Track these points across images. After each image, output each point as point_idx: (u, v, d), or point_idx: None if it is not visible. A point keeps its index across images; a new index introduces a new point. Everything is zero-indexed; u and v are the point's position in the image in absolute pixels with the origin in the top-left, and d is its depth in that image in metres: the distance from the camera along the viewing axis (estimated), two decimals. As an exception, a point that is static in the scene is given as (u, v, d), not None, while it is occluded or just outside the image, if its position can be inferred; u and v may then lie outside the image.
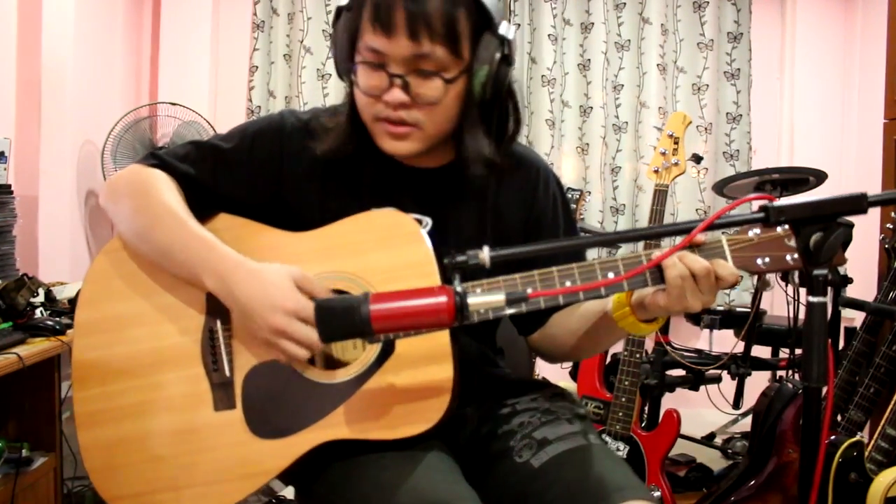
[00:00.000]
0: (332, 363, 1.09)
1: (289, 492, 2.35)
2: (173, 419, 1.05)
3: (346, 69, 1.06)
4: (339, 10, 1.05)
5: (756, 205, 0.83)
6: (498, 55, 1.02)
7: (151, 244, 1.09)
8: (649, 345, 2.37)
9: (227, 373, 1.05)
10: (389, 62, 1.00)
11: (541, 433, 1.09)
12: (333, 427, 1.01)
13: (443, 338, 0.99)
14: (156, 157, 1.15)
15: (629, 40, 3.52)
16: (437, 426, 0.99)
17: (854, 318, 2.32)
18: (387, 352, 1.01)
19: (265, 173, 1.13)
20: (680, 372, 2.62)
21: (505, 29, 1.03)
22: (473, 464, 1.06)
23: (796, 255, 0.92)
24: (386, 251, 1.05)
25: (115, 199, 1.15)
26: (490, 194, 1.16)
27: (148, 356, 1.08)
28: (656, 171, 2.13)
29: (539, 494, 1.00)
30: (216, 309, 1.07)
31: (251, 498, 1.04)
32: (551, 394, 1.20)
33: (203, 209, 1.12)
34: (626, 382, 2.08)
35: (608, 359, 2.40)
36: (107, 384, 1.08)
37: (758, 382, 2.68)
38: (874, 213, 1.68)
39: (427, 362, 1.00)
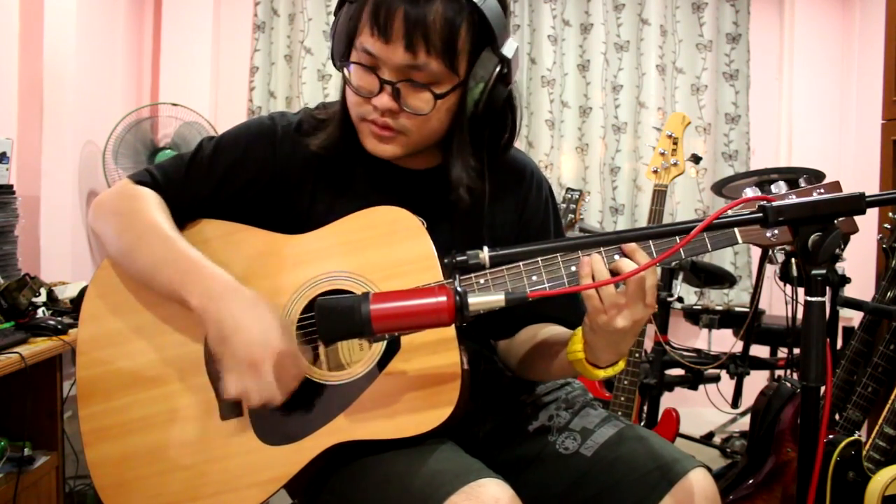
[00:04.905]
0: (338, 364, 1.09)
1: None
2: (181, 430, 1.04)
3: (340, 64, 1.04)
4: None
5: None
6: (495, 74, 1.00)
7: (137, 264, 1.07)
8: (648, 344, 2.38)
9: None
10: (382, 67, 0.98)
11: (577, 423, 1.11)
12: (343, 429, 1.00)
13: (448, 328, 0.99)
14: (144, 173, 1.14)
15: (628, 41, 3.53)
16: (451, 421, 0.98)
17: (852, 317, 2.32)
18: (393, 348, 1.01)
19: (259, 179, 1.12)
20: (679, 371, 2.63)
21: (508, 48, 1.00)
22: (502, 464, 1.04)
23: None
24: (386, 248, 1.04)
25: (101, 219, 1.13)
26: (480, 197, 1.14)
27: (151, 369, 1.07)
28: (655, 172, 2.14)
29: (598, 479, 1.02)
30: None
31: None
32: (559, 384, 1.22)
33: (196, 219, 1.12)
34: (625, 381, 2.09)
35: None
36: (111, 400, 1.07)
37: (756, 382, 2.69)
38: (872, 213, 1.68)
39: (434, 353, 1.00)
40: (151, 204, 1.09)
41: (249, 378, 0.95)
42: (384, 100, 0.99)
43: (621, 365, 0.99)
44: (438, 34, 0.94)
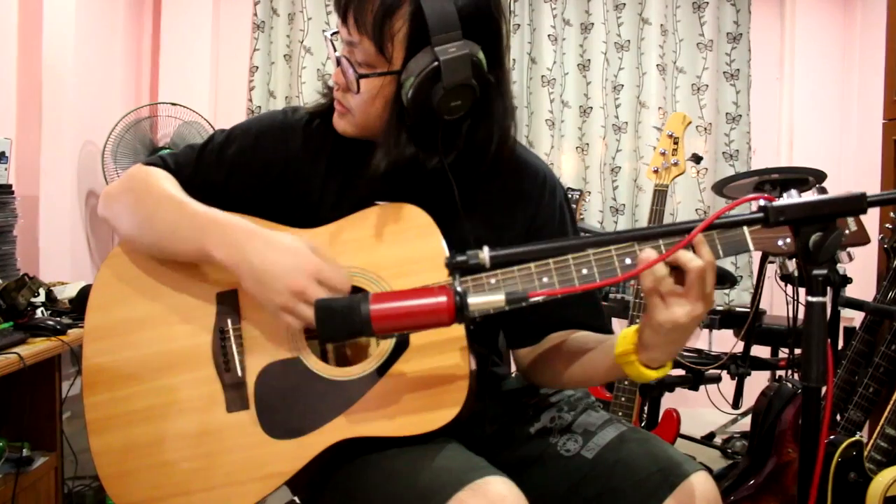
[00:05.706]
0: (346, 360, 1.09)
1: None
2: (186, 422, 1.04)
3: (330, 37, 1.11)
4: None
5: (755, 205, 0.83)
6: (425, 72, 0.96)
7: (155, 231, 1.08)
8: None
9: (239, 373, 1.05)
10: (342, 42, 1.04)
11: (579, 425, 1.11)
12: (349, 426, 1.00)
13: (457, 329, 0.98)
14: (156, 158, 1.16)
15: (629, 41, 3.53)
16: (456, 421, 0.98)
17: (853, 317, 2.32)
18: (402, 345, 1.01)
19: (269, 172, 1.13)
20: (679, 371, 2.62)
21: (448, 50, 0.96)
22: (503, 465, 1.02)
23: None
24: (398, 245, 1.05)
25: (112, 202, 1.14)
26: (487, 197, 1.14)
27: (157, 359, 1.07)
28: (656, 171, 2.13)
29: (599, 482, 1.01)
30: (226, 308, 1.07)
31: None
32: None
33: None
34: (626, 382, 2.08)
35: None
36: (116, 389, 1.07)
37: (757, 382, 2.68)
38: (873, 213, 1.68)
39: (443, 353, 1.00)
40: (162, 178, 1.11)
41: (299, 306, 0.97)
42: (336, 72, 1.06)
43: (669, 366, 0.96)
44: (371, 14, 0.98)
